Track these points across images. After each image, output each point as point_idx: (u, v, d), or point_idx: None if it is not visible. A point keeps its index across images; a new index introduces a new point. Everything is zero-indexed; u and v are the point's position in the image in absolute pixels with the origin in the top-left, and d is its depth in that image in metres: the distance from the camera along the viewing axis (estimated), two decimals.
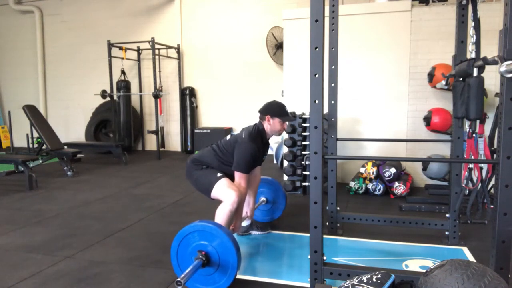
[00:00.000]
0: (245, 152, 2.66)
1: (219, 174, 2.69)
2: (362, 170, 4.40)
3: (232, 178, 2.73)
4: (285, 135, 4.47)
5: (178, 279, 1.92)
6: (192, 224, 2.19)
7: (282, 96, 5.22)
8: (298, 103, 4.79)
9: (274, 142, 5.72)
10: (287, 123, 2.85)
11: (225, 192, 2.58)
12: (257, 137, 2.75)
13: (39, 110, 6.52)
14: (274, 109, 2.77)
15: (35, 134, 6.16)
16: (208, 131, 7.27)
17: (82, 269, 2.55)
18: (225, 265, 2.13)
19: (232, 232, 2.67)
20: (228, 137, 2.88)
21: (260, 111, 2.82)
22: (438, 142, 4.50)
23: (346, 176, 4.90)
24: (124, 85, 7.49)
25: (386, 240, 2.99)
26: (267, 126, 2.80)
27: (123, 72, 7.46)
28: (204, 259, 2.11)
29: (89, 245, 2.96)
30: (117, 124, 7.48)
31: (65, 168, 5.56)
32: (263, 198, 3.37)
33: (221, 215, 2.54)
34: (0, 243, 3.03)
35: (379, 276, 1.63)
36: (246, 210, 3.04)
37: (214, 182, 2.65)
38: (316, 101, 1.85)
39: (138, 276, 2.44)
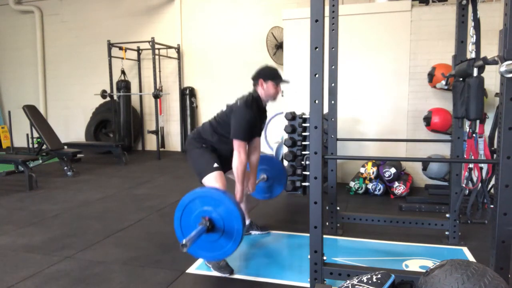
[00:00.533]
0: (241, 118, 2.58)
1: (215, 165, 2.62)
2: (362, 170, 4.40)
3: (229, 158, 2.65)
4: (285, 135, 4.47)
5: (183, 242, 1.89)
6: (194, 191, 2.15)
7: (282, 96, 5.22)
8: (298, 103, 4.79)
9: (274, 142, 5.72)
10: (281, 86, 2.76)
11: (211, 186, 2.54)
12: (252, 103, 2.65)
13: (39, 110, 6.52)
14: (266, 73, 2.69)
15: (35, 134, 6.16)
16: None
17: (82, 269, 2.55)
18: (230, 231, 2.09)
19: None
20: (224, 108, 2.79)
21: (252, 77, 2.73)
22: (438, 142, 4.50)
23: (346, 176, 4.89)
24: (124, 85, 7.49)
25: (386, 240, 2.99)
26: (261, 91, 2.70)
27: (123, 72, 7.46)
28: (208, 224, 2.08)
29: (89, 245, 2.96)
30: (117, 124, 7.48)
31: (65, 168, 5.56)
32: (263, 175, 3.32)
33: None
34: (0, 243, 3.03)
35: (379, 276, 1.63)
36: (247, 185, 2.96)
37: (207, 172, 2.59)
38: (316, 101, 1.85)
39: (138, 276, 2.44)
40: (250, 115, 2.60)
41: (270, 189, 3.40)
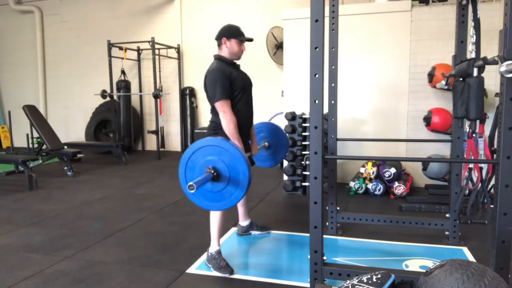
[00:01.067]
0: (212, 79, 2.51)
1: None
2: (362, 170, 4.40)
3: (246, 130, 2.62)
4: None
5: (191, 183, 1.89)
6: (195, 142, 2.14)
7: (282, 96, 5.22)
8: (298, 103, 4.79)
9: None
10: (245, 44, 2.73)
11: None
12: (218, 63, 2.60)
13: (39, 110, 6.52)
14: (228, 31, 2.65)
15: (35, 134, 6.16)
16: None
17: (82, 269, 2.55)
18: (235, 177, 2.08)
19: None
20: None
21: (215, 38, 2.68)
22: (438, 142, 4.50)
23: (346, 176, 4.90)
24: (124, 85, 7.49)
25: (386, 240, 2.99)
26: (225, 50, 2.65)
27: (123, 72, 7.46)
28: (213, 172, 2.07)
29: (89, 245, 2.96)
30: (117, 124, 7.48)
31: (65, 168, 5.56)
32: (264, 143, 3.28)
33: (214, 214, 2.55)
34: (0, 243, 3.03)
35: (379, 276, 1.63)
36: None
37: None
38: (316, 101, 1.85)
39: (138, 276, 2.44)
40: (219, 71, 2.52)
41: (272, 157, 3.36)
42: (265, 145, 3.28)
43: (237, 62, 2.81)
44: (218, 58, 2.67)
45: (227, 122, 2.47)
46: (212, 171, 2.07)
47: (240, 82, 2.64)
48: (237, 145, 2.16)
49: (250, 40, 2.72)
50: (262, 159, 3.36)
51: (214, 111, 2.61)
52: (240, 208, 3.10)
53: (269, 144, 3.31)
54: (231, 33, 2.64)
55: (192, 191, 1.92)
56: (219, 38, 2.66)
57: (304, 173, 4.25)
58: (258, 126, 3.27)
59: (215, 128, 2.62)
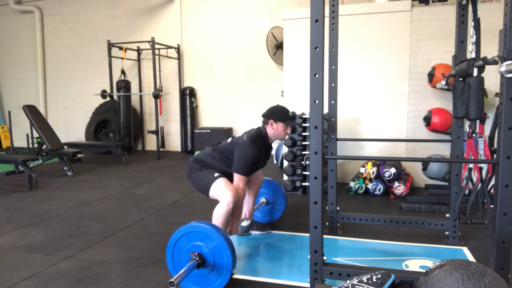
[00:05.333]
0: (245, 154, 2.62)
1: (216, 174, 2.65)
2: (362, 170, 4.40)
3: (231, 178, 2.71)
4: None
5: (171, 280, 1.91)
6: (187, 225, 2.19)
7: (282, 96, 5.22)
8: (298, 103, 4.79)
9: (274, 142, 5.72)
10: (290, 128, 2.81)
11: (221, 192, 2.55)
12: (258, 140, 2.71)
13: (39, 110, 6.52)
14: (277, 113, 2.74)
15: (35, 134, 6.16)
16: (208, 131, 7.27)
17: (82, 269, 2.55)
18: (219, 267, 2.12)
19: (229, 233, 2.65)
20: (230, 139, 2.84)
21: (263, 115, 2.79)
22: (438, 142, 4.50)
23: (346, 176, 4.90)
24: (124, 85, 7.49)
25: (386, 240, 2.99)
26: (270, 130, 2.77)
27: (123, 72, 7.46)
28: (198, 259, 2.10)
29: (89, 245, 2.96)
30: (117, 124, 7.48)
31: (65, 168, 5.56)
32: (263, 199, 3.36)
33: (217, 216, 2.52)
34: (0, 243, 3.03)
35: (379, 276, 1.63)
36: (245, 211, 3.03)
37: (211, 182, 2.62)
38: (316, 101, 1.85)
39: (138, 276, 2.44)
40: (254, 152, 2.64)
41: (270, 213, 3.42)
42: (264, 202, 3.36)
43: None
44: (260, 133, 2.77)
45: (236, 196, 2.55)
46: (198, 259, 2.10)
47: (256, 166, 2.78)
48: (225, 234, 2.19)
49: (297, 124, 2.86)
50: (259, 215, 3.43)
51: (221, 158, 2.75)
52: (245, 207, 3.10)
53: (268, 200, 3.38)
54: (279, 116, 2.74)
55: None
56: (267, 117, 2.77)
57: (304, 173, 4.24)
58: None
59: (202, 162, 2.78)
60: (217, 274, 2.14)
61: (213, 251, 2.13)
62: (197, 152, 2.98)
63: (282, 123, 2.73)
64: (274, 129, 2.75)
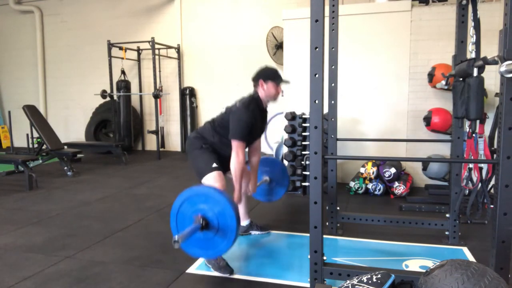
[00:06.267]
0: (240, 118, 2.57)
1: (214, 165, 2.61)
2: (362, 170, 4.40)
3: (229, 159, 2.65)
4: (285, 135, 4.47)
5: (175, 238, 1.90)
6: (189, 189, 2.16)
7: (282, 96, 5.21)
8: (298, 103, 4.79)
9: (274, 142, 5.72)
10: (282, 87, 2.77)
11: (211, 186, 2.52)
12: (251, 104, 2.65)
13: (39, 110, 6.52)
14: (266, 73, 2.70)
15: (35, 134, 6.16)
16: None
17: (82, 269, 2.55)
18: (224, 229, 2.09)
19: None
20: (224, 110, 2.79)
21: (252, 78, 2.74)
22: (438, 142, 4.50)
23: (346, 176, 4.89)
24: (124, 85, 7.49)
25: (386, 240, 2.99)
26: (261, 92, 2.71)
27: (123, 72, 7.46)
28: (202, 222, 2.08)
29: (89, 245, 2.96)
30: (117, 124, 7.48)
31: (65, 168, 5.56)
32: (266, 177, 3.32)
33: None
34: (0, 243, 3.03)
35: (379, 276, 1.63)
36: (248, 186, 2.98)
37: (206, 172, 2.59)
38: (316, 101, 1.85)
39: (138, 276, 2.44)
40: (248, 116, 2.59)
41: (272, 192, 3.41)
42: (266, 180, 3.33)
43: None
44: (252, 98, 2.71)
45: (237, 163, 2.58)
46: (202, 222, 2.08)
47: (254, 132, 2.73)
48: (228, 196, 2.16)
49: (287, 82, 2.78)
50: (262, 193, 3.42)
51: (219, 131, 2.71)
52: (240, 208, 3.10)
53: (271, 179, 3.35)
54: (268, 76, 2.70)
55: (176, 247, 1.91)
56: (256, 79, 2.72)
57: (304, 173, 4.24)
58: (260, 161, 3.28)
59: (202, 137, 2.75)
60: (222, 236, 2.10)
61: (217, 214, 2.09)
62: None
63: (272, 82, 2.68)
64: (265, 89, 2.69)
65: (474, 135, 2.27)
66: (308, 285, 2.12)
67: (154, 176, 5.53)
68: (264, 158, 3.31)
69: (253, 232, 3.16)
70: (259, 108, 2.73)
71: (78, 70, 8.39)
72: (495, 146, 2.68)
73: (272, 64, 6.92)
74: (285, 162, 4.49)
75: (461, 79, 2.30)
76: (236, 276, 2.44)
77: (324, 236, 2.00)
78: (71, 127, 8.58)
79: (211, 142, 2.73)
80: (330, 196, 3.10)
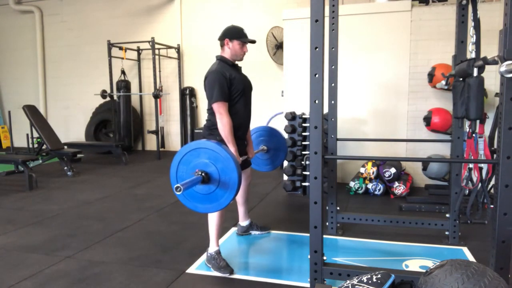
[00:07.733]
0: (213, 82, 2.52)
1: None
2: (362, 170, 4.40)
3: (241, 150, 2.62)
4: (285, 135, 4.47)
5: (178, 185, 1.90)
6: (190, 143, 2.17)
7: (282, 96, 5.22)
8: (298, 103, 4.79)
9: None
10: (247, 45, 2.75)
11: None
12: (218, 66, 2.61)
13: (39, 110, 6.52)
14: (231, 32, 2.68)
15: (35, 134, 6.16)
16: None
17: (82, 269, 2.55)
18: (225, 181, 2.10)
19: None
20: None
21: (218, 38, 2.72)
22: (438, 142, 4.50)
23: (346, 176, 4.89)
24: (124, 85, 7.48)
25: (386, 240, 2.99)
26: (227, 51, 2.68)
27: (123, 72, 7.46)
28: (203, 174, 2.09)
29: (89, 245, 2.96)
30: (117, 124, 7.48)
31: (65, 168, 5.56)
32: (263, 146, 3.29)
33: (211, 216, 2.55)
34: (0, 243, 3.03)
35: (379, 276, 1.63)
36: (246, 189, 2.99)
37: None
38: (316, 101, 1.85)
39: (138, 276, 2.44)
40: (217, 76, 2.53)
41: (271, 161, 3.37)
42: (264, 149, 3.29)
43: (239, 63, 2.82)
44: (220, 59, 2.69)
45: (223, 125, 2.50)
46: (202, 174, 2.09)
47: (240, 84, 2.65)
48: (228, 149, 2.17)
49: (253, 42, 2.74)
50: (261, 163, 3.37)
51: (211, 111, 2.63)
52: (240, 208, 3.10)
53: (268, 148, 3.31)
54: (234, 34, 2.67)
55: (179, 193, 1.93)
56: (221, 38, 2.70)
57: (304, 173, 4.24)
58: (257, 130, 3.27)
59: (211, 127, 2.64)
60: (224, 189, 2.11)
61: (218, 168, 2.10)
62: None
63: (238, 41, 2.66)
64: (230, 48, 2.67)
65: (474, 135, 2.27)
66: (308, 285, 2.12)
67: (154, 176, 5.53)
68: (261, 127, 3.29)
69: (253, 232, 3.16)
70: (228, 64, 2.68)
71: (78, 70, 8.38)
72: (495, 146, 2.68)
73: (272, 64, 6.93)
74: (285, 162, 4.48)
75: (461, 79, 2.30)
76: (236, 276, 2.44)
77: (324, 236, 2.00)
78: (71, 127, 8.58)
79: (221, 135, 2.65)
80: (330, 196, 3.10)
